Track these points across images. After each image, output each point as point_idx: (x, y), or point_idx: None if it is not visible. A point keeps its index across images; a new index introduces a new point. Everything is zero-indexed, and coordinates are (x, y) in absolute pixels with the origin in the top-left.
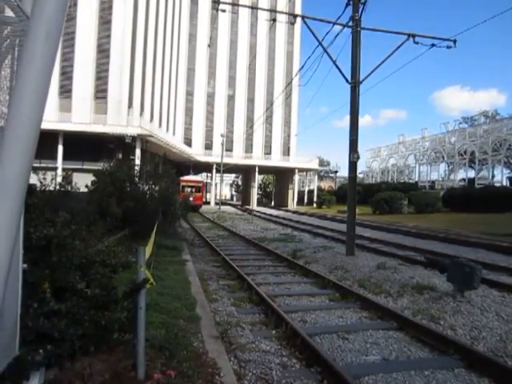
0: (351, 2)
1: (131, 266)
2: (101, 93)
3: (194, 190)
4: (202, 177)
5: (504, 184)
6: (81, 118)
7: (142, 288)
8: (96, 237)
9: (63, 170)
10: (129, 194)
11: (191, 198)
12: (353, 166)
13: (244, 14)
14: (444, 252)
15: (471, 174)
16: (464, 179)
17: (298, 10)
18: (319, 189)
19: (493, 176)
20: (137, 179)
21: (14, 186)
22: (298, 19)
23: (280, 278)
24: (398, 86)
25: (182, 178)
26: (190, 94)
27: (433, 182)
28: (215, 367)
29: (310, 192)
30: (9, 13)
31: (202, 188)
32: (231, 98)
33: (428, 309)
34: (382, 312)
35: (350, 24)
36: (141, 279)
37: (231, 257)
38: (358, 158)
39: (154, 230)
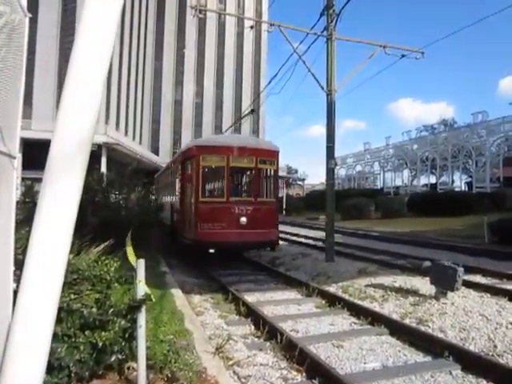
0: (325, 13)
1: (126, 282)
2: None
3: (248, 184)
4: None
5: (462, 189)
6: (41, 126)
7: (142, 305)
8: (73, 251)
9: (23, 179)
10: (103, 204)
11: (243, 219)
12: (330, 172)
13: (211, 23)
14: (418, 255)
15: (433, 179)
16: (426, 184)
17: (264, 18)
18: (287, 196)
19: (453, 181)
20: (109, 188)
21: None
22: (269, 27)
23: (263, 287)
24: (357, 98)
25: (198, 143)
26: (156, 101)
27: (397, 188)
28: None
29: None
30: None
31: (276, 181)
32: (199, 106)
33: (415, 311)
34: (372, 317)
35: (325, 34)
36: (140, 295)
37: (209, 266)
38: (336, 164)
39: (129, 242)
